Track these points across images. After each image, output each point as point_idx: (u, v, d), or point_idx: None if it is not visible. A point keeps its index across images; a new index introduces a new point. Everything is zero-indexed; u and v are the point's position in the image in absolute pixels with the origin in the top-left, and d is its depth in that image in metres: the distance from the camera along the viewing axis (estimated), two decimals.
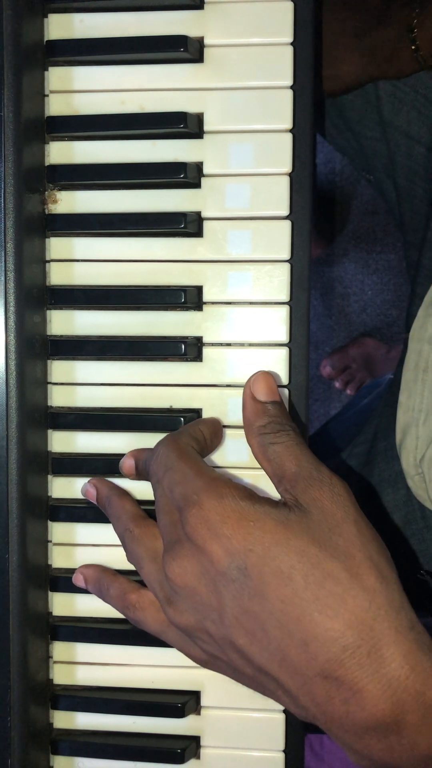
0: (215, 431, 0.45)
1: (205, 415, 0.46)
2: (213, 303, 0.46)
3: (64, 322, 0.47)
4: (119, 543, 0.44)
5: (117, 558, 0.47)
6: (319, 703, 0.35)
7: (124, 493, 0.46)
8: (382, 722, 0.34)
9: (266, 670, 0.36)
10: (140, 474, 0.45)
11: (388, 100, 0.66)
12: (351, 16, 0.61)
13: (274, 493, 0.44)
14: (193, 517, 0.37)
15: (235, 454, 0.46)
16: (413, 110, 0.66)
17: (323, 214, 1.45)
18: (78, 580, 0.46)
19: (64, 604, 0.48)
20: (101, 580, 0.45)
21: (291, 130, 0.45)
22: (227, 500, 0.37)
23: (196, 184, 0.46)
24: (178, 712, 0.46)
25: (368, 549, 0.36)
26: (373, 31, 0.60)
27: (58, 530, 0.48)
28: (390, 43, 0.60)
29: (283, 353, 0.46)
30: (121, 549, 0.44)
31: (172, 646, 0.43)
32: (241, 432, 0.46)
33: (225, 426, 0.46)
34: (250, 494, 0.38)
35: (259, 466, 0.42)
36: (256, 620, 0.35)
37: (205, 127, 0.45)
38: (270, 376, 0.43)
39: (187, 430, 0.43)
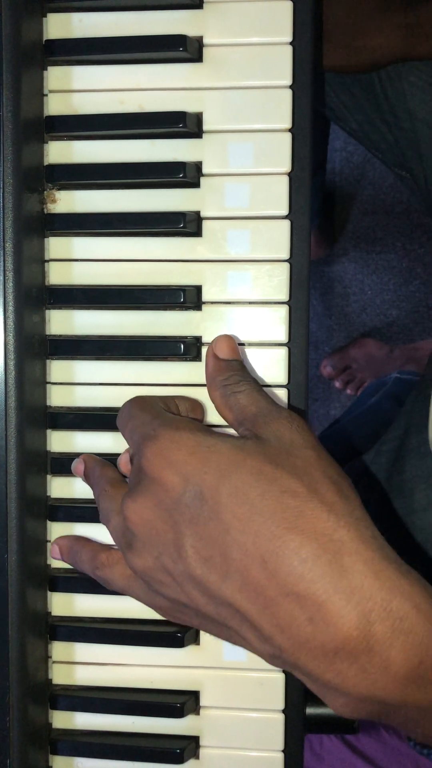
0: (193, 407, 0.45)
1: (206, 414, 0.46)
2: (212, 303, 0.46)
3: (63, 322, 0.47)
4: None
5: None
6: (283, 628, 0.33)
7: (107, 464, 0.46)
8: (349, 638, 0.32)
9: (228, 599, 0.35)
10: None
11: (413, 91, 0.66)
12: None
13: None
14: (149, 449, 0.37)
15: None
16: None
17: (326, 215, 1.45)
18: (54, 552, 0.47)
19: (63, 604, 0.48)
20: (73, 546, 0.46)
21: (290, 130, 0.45)
22: (183, 431, 0.37)
23: (196, 184, 0.46)
24: (177, 712, 0.46)
25: (328, 470, 0.36)
26: (419, 6, 0.59)
27: (57, 530, 0.48)
28: None
29: (283, 353, 0.46)
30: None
31: (136, 599, 0.43)
32: None
33: (225, 426, 0.46)
34: (208, 429, 0.38)
35: None
36: (213, 545, 0.34)
37: (205, 127, 0.45)
38: (231, 338, 0.44)
39: (158, 397, 0.44)
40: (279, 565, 0.33)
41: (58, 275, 0.47)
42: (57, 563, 0.48)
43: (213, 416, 0.46)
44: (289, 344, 0.46)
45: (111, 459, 0.46)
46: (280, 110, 0.45)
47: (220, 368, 0.43)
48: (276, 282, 0.45)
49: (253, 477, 0.34)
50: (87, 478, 0.46)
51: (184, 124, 0.44)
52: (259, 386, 0.42)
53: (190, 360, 0.46)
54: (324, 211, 1.45)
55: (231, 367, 0.43)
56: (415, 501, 0.61)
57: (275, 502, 0.34)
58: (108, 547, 0.45)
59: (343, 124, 0.78)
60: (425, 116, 0.67)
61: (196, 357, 0.46)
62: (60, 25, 0.46)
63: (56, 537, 0.47)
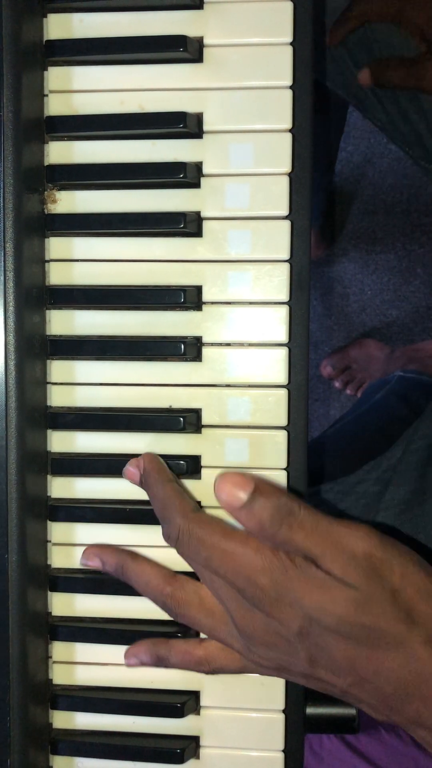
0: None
1: (205, 413, 0.46)
2: (212, 303, 0.46)
3: (64, 322, 0.47)
4: (119, 542, 0.44)
5: None
6: (396, 711, 0.39)
7: (136, 556, 0.46)
8: None
9: (348, 692, 0.40)
10: (144, 486, 0.45)
11: None
12: None
13: None
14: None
15: (233, 455, 0.46)
16: None
17: (328, 215, 1.45)
18: (133, 662, 0.45)
19: (63, 604, 0.48)
20: (157, 654, 0.45)
21: (291, 130, 0.45)
22: (286, 563, 0.39)
23: (196, 184, 0.46)
24: (178, 712, 0.46)
25: (412, 576, 0.39)
26: None
27: (58, 530, 0.48)
28: None
29: (283, 353, 0.46)
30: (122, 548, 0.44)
31: None
32: (240, 432, 0.46)
33: (225, 426, 0.46)
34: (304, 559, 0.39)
35: (257, 467, 0.45)
36: (332, 662, 0.39)
37: (205, 127, 0.45)
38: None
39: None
40: (390, 677, 0.38)
41: (58, 275, 0.47)
42: (57, 563, 0.48)
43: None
44: (290, 344, 0.46)
45: (111, 459, 0.46)
46: (280, 110, 0.45)
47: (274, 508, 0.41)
48: (276, 282, 0.45)
49: (365, 630, 0.38)
50: (119, 576, 0.45)
51: (185, 125, 0.44)
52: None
53: (191, 360, 0.46)
54: (328, 211, 1.45)
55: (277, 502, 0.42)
56: None
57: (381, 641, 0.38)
58: (193, 642, 0.45)
59: (370, 115, 0.77)
60: None
61: (197, 357, 0.46)
62: (60, 26, 0.46)
63: (130, 647, 0.46)
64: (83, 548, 0.47)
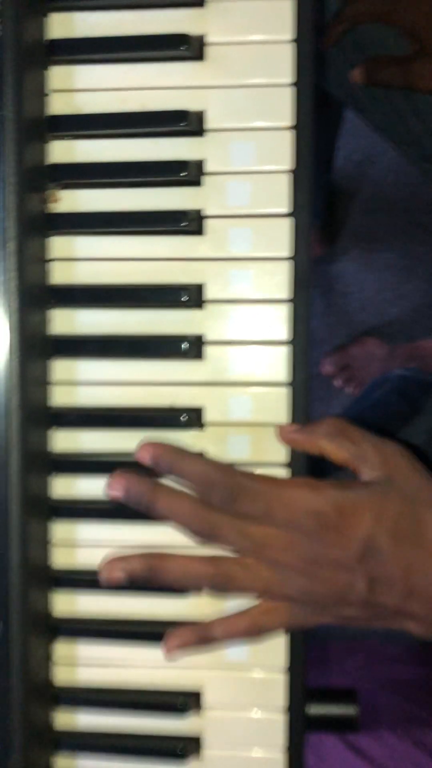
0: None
1: (207, 412, 0.46)
2: (214, 301, 0.46)
3: (66, 321, 0.47)
4: (121, 542, 0.44)
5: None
6: None
7: (162, 554, 0.44)
8: None
9: (401, 609, 0.43)
10: (167, 466, 0.43)
11: None
12: None
13: None
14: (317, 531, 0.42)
15: (236, 452, 0.46)
16: None
17: (328, 213, 1.45)
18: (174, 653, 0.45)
19: (65, 604, 0.48)
20: (204, 635, 0.44)
21: (292, 128, 0.45)
22: (338, 496, 0.43)
23: (198, 182, 0.46)
24: (180, 712, 0.46)
25: (427, 478, 0.45)
26: None
27: (59, 530, 0.48)
28: None
29: (284, 351, 0.46)
30: (124, 549, 0.44)
31: None
32: (243, 429, 0.46)
33: (227, 424, 0.46)
34: (347, 484, 0.44)
35: (259, 462, 0.46)
36: (390, 578, 0.42)
37: (207, 125, 0.45)
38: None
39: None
40: None
41: (60, 274, 0.47)
42: (59, 563, 0.48)
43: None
44: (291, 343, 0.46)
45: (114, 458, 0.46)
46: (281, 108, 0.45)
47: (311, 426, 0.46)
48: (277, 280, 0.45)
49: (403, 520, 0.43)
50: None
51: (187, 123, 0.44)
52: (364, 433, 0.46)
53: (192, 358, 0.46)
54: (329, 209, 1.45)
55: (317, 424, 0.46)
56: None
57: (423, 532, 0.43)
58: (235, 615, 0.45)
59: (367, 116, 0.77)
60: None
61: (198, 355, 0.46)
62: (62, 25, 0.46)
63: (172, 634, 0.44)
64: (85, 548, 0.47)
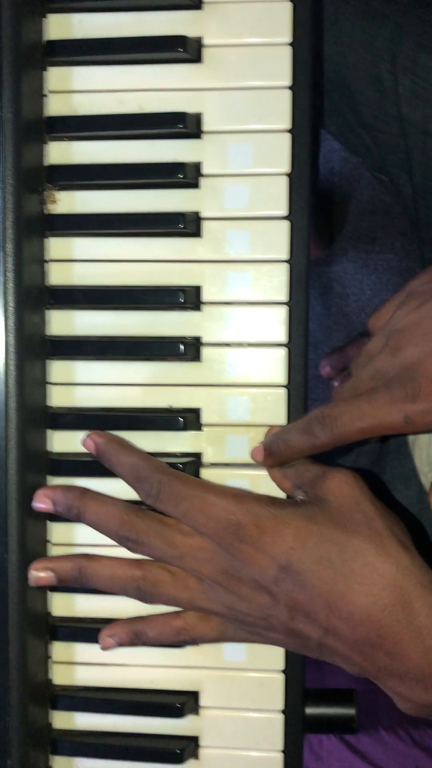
0: None
1: (205, 414, 0.46)
2: (212, 303, 0.46)
3: (63, 323, 0.47)
4: (116, 544, 0.44)
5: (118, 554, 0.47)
6: (367, 658, 0.41)
7: (92, 555, 0.45)
8: (418, 667, 0.40)
9: (323, 643, 0.41)
10: (105, 456, 0.45)
11: (407, 95, 0.66)
12: None
13: (273, 487, 0.46)
14: (243, 537, 0.41)
15: (234, 453, 0.46)
16: (430, 106, 0.66)
17: (323, 214, 1.45)
18: (108, 644, 0.45)
19: (63, 605, 0.48)
20: (134, 630, 0.45)
21: (290, 130, 0.45)
22: (260, 510, 0.42)
23: (195, 185, 0.46)
24: (177, 713, 0.46)
25: (386, 520, 0.41)
26: None
27: (57, 530, 0.48)
28: None
29: (282, 353, 0.46)
30: (118, 549, 0.44)
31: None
32: (241, 430, 0.46)
33: (225, 425, 0.46)
34: (273, 500, 0.43)
35: (255, 462, 0.45)
36: (309, 606, 0.40)
37: (204, 127, 0.45)
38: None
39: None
40: (363, 616, 0.40)
41: (58, 276, 0.47)
42: None
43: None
44: (289, 344, 0.46)
45: None
46: (279, 111, 0.45)
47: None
48: (275, 282, 0.46)
49: (329, 544, 0.40)
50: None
51: (184, 125, 0.44)
52: (309, 458, 0.45)
53: (190, 360, 0.46)
54: (321, 211, 1.45)
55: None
56: (395, 501, 0.62)
57: (352, 563, 0.40)
58: (172, 613, 0.45)
59: (324, 128, 0.78)
60: (418, 121, 0.67)
61: (196, 357, 0.46)
62: (60, 26, 0.46)
63: (103, 628, 0.46)
64: (82, 549, 0.47)
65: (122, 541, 0.43)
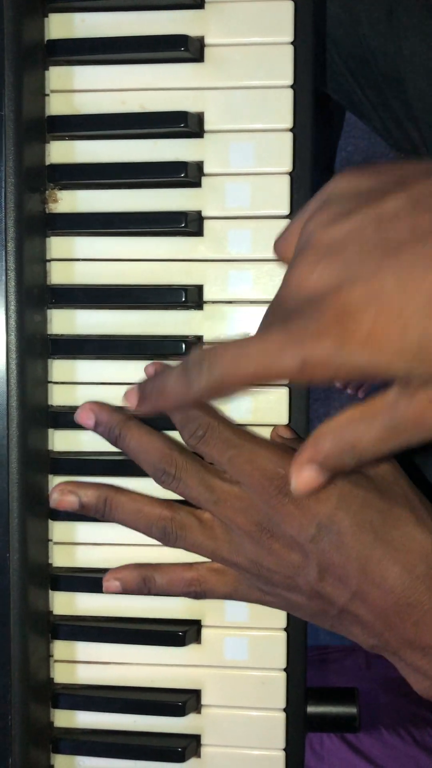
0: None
1: None
2: (213, 302, 0.46)
3: (65, 322, 0.47)
4: (120, 542, 0.44)
5: (118, 556, 0.47)
6: (392, 627, 0.40)
7: (121, 488, 0.45)
8: None
9: (348, 609, 0.41)
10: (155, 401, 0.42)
11: None
12: None
13: None
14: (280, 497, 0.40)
15: None
16: None
17: None
18: (112, 586, 0.44)
19: (64, 603, 0.48)
20: (142, 575, 0.44)
21: (291, 129, 0.45)
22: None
23: (197, 184, 0.46)
24: (179, 711, 0.46)
25: (419, 495, 0.42)
26: None
27: (59, 529, 0.48)
28: None
29: None
30: (123, 548, 0.44)
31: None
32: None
33: None
34: None
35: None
36: (342, 568, 0.40)
37: (206, 127, 0.45)
38: (290, 428, 0.46)
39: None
40: (397, 582, 0.39)
41: (59, 275, 0.47)
42: (58, 562, 0.48)
43: None
44: None
45: (112, 459, 0.46)
46: (281, 110, 0.45)
47: (290, 443, 0.44)
48: (277, 282, 0.46)
49: (371, 510, 0.40)
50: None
51: (186, 124, 0.44)
52: None
53: None
54: None
55: (298, 442, 0.44)
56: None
57: (392, 529, 0.40)
58: (183, 564, 0.45)
59: (366, 121, 0.78)
60: None
61: None
62: (62, 25, 0.46)
63: (110, 571, 0.45)
64: (85, 547, 0.48)
65: (159, 474, 0.42)
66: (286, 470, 0.40)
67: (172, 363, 0.45)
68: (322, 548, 0.40)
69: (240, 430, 0.42)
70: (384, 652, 0.42)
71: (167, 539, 0.43)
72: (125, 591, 0.44)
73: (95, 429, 0.44)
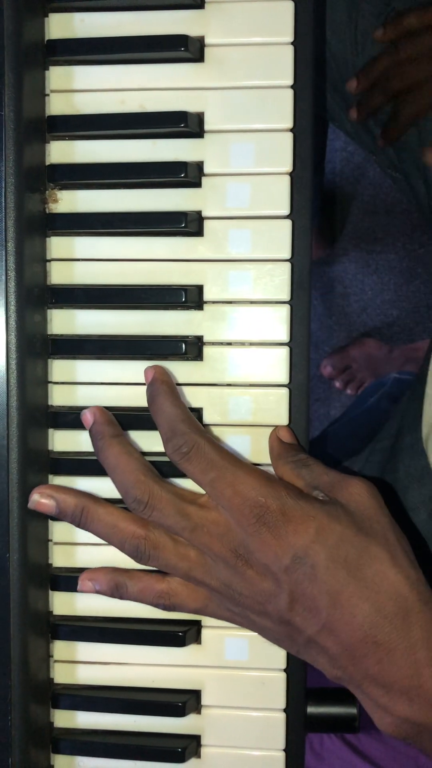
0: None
1: (206, 413, 0.46)
2: (213, 302, 0.46)
3: (65, 322, 0.47)
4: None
5: (117, 557, 0.47)
6: (357, 662, 0.41)
7: (100, 499, 0.46)
8: (405, 678, 0.40)
9: (315, 640, 0.41)
10: (152, 396, 0.44)
11: None
12: None
13: None
14: (267, 525, 0.41)
15: (236, 453, 0.46)
16: None
17: (325, 214, 1.45)
18: (86, 587, 0.45)
19: (64, 603, 0.48)
20: (115, 581, 0.45)
21: (292, 130, 0.45)
22: (289, 499, 0.42)
23: (197, 184, 0.46)
24: (179, 711, 0.46)
25: (398, 535, 0.42)
26: None
27: (59, 529, 0.48)
28: None
29: (284, 352, 0.46)
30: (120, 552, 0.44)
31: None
32: (241, 429, 0.46)
33: (226, 425, 0.46)
34: (301, 493, 0.43)
35: (259, 463, 0.46)
36: (313, 601, 0.41)
37: (206, 127, 0.45)
38: (290, 429, 0.46)
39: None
40: (365, 620, 0.40)
41: (59, 275, 0.47)
42: (58, 562, 0.48)
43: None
44: (291, 344, 0.46)
45: None
46: (281, 110, 0.45)
47: (287, 448, 0.45)
48: (277, 282, 0.46)
49: (348, 545, 0.41)
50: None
51: (186, 124, 0.44)
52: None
53: (192, 359, 0.46)
54: (324, 211, 1.45)
55: (296, 448, 0.45)
56: (407, 500, 0.62)
57: (367, 567, 0.41)
58: (157, 575, 0.45)
59: (338, 125, 0.78)
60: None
61: (198, 356, 0.46)
62: (62, 25, 0.46)
63: (84, 573, 0.46)
64: (84, 547, 0.48)
65: (132, 502, 0.43)
66: (267, 498, 0.41)
67: (172, 363, 0.46)
68: (295, 579, 0.41)
69: (225, 452, 0.43)
70: (348, 685, 0.43)
71: (139, 557, 0.43)
72: (99, 593, 0.45)
73: (89, 430, 0.45)
